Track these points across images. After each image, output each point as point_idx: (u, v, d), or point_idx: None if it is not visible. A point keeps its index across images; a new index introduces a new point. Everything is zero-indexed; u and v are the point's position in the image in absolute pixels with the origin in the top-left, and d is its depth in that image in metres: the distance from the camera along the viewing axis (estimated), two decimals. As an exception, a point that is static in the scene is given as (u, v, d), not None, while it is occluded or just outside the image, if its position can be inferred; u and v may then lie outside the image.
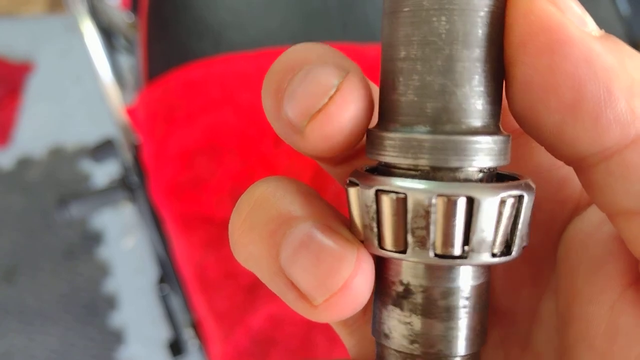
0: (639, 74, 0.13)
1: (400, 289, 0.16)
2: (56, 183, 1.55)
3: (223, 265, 0.57)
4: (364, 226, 0.16)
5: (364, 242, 0.17)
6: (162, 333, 1.02)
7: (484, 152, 0.15)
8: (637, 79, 0.13)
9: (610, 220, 0.15)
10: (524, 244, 0.16)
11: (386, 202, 0.15)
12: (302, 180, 0.18)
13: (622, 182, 0.14)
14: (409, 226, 0.15)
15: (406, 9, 0.15)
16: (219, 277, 0.57)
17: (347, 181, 0.17)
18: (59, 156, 1.58)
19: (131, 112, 0.72)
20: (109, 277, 1.44)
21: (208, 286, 0.58)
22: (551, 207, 0.19)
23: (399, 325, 0.16)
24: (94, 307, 1.41)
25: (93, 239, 1.48)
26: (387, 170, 0.16)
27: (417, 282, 0.16)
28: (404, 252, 0.16)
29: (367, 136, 0.17)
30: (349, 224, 0.17)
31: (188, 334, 0.79)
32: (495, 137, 0.15)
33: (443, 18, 0.14)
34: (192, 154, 0.61)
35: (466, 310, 0.16)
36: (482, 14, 0.14)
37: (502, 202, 0.15)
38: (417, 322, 0.16)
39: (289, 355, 0.53)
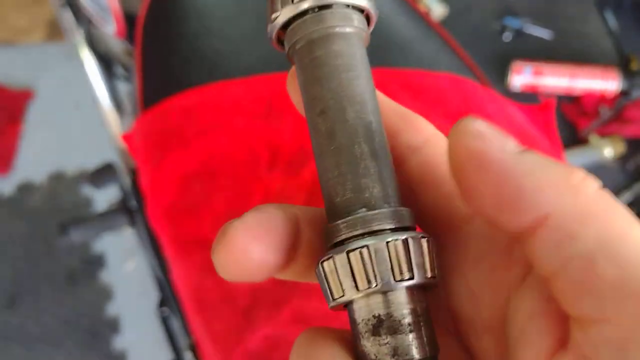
0: (544, 174, 0.17)
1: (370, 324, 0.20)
2: (57, 208, 1.56)
3: (220, 288, 0.58)
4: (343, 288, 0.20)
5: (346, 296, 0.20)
6: (164, 356, 1.02)
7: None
8: (542, 178, 0.17)
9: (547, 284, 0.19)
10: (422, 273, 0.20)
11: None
12: (296, 203, 0.20)
13: (548, 251, 0.17)
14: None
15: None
16: (216, 300, 0.57)
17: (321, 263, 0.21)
18: (59, 182, 1.60)
19: (127, 138, 0.74)
20: (111, 301, 1.44)
21: (205, 309, 0.58)
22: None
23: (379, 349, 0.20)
24: (97, 332, 1.41)
25: (94, 263, 1.48)
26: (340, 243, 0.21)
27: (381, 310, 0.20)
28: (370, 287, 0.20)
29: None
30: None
31: (187, 357, 0.79)
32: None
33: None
34: (188, 178, 0.62)
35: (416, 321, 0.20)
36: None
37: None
38: (392, 340, 0.20)
39: (285, 376, 0.54)
